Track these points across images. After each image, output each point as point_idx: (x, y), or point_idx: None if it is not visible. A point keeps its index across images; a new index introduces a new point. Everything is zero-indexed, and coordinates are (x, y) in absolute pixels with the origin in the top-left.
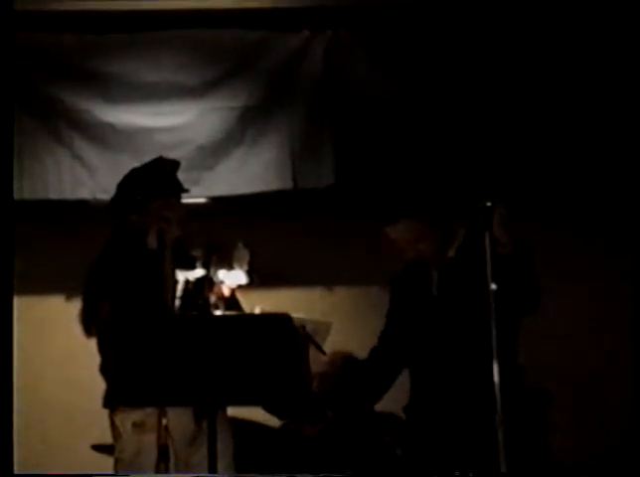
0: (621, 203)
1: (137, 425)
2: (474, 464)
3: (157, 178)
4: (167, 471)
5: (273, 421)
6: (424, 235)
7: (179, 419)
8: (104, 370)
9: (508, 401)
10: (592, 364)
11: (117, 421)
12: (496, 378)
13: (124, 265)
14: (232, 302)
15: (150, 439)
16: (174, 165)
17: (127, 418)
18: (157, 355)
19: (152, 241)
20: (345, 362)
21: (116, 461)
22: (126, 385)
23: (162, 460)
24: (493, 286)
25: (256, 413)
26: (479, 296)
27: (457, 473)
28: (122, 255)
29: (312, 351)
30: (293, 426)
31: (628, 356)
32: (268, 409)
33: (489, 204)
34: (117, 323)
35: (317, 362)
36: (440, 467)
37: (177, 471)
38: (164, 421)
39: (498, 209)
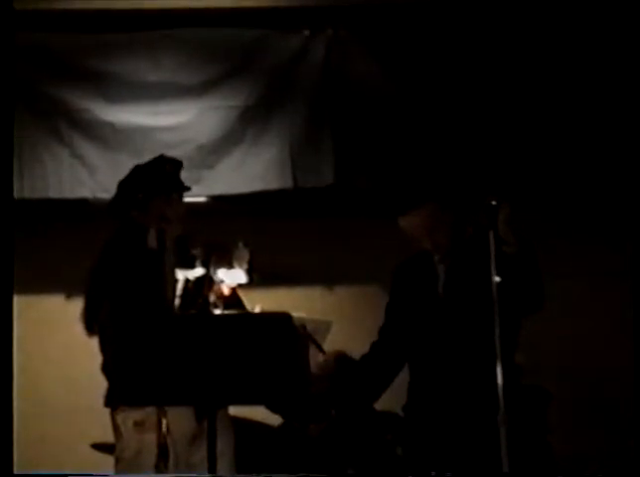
0: (621, 202)
1: (138, 424)
2: (474, 464)
3: (158, 176)
4: (166, 471)
5: (272, 421)
6: (440, 224)
7: (180, 419)
8: (106, 369)
9: (507, 401)
10: (592, 364)
11: (119, 420)
12: (499, 377)
13: (125, 264)
14: (232, 301)
15: (151, 438)
16: (176, 164)
17: (128, 417)
18: (157, 354)
19: (152, 240)
20: (338, 362)
21: (117, 460)
22: (127, 384)
23: (161, 459)
24: (497, 279)
25: (256, 413)
26: (485, 296)
27: (434, 473)
28: (123, 254)
29: (312, 350)
30: (298, 425)
31: (628, 356)
32: (271, 408)
33: (494, 202)
34: (118, 322)
35: (311, 364)
36: (440, 466)
37: (177, 471)
38: (164, 421)
39: (503, 207)
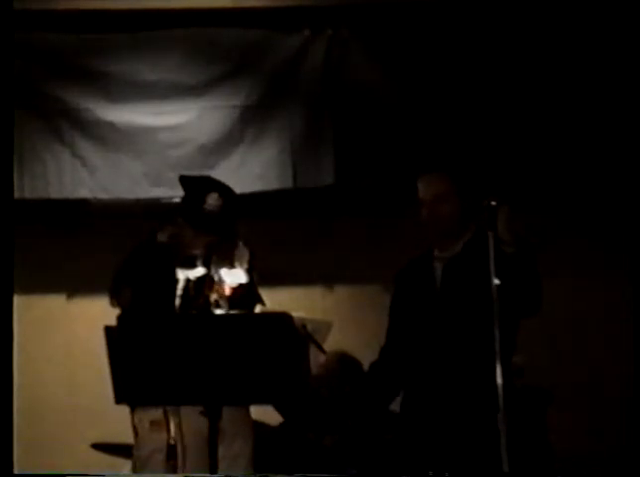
0: (622, 202)
1: (154, 424)
2: (472, 463)
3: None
4: (175, 471)
5: (272, 421)
6: (451, 198)
7: (191, 419)
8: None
9: (504, 401)
10: (592, 364)
11: (136, 420)
12: (499, 377)
13: (145, 259)
14: (235, 301)
15: (167, 439)
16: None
17: (144, 417)
18: (156, 354)
19: (162, 236)
20: (340, 363)
21: (134, 459)
22: (126, 383)
23: (171, 460)
24: (496, 281)
25: (256, 413)
26: (482, 295)
27: (431, 473)
28: (148, 251)
29: (313, 350)
30: (313, 436)
31: (628, 356)
32: (279, 410)
33: (493, 203)
34: (123, 323)
35: (312, 363)
36: (438, 466)
37: (191, 471)
38: (172, 421)
39: (502, 208)
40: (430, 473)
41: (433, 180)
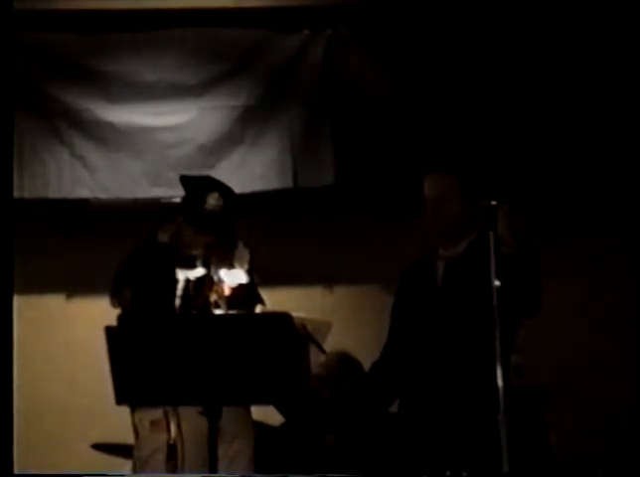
0: (621, 202)
1: (154, 424)
2: (473, 463)
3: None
4: (175, 471)
5: (272, 421)
6: (455, 194)
7: (191, 418)
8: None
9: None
10: (592, 363)
11: (135, 420)
12: (499, 378)
13: (146, 259)
14: (235, 301)
15: (166, 438)
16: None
17: (145, 417)
18: (156, 354)
19: (163, 236)
20: (340, 363)
21: (134, 459)
22: (126, 383)
23: (171, 460)
24: (496, 283)
25: (256, 413)
26: (482, 295)
27: (448, 473)
28: (148, 251)
29: (313, 350)
30: (314, 436)
31: (628, 355)
32: (279, 410)
33: (493, 203)
34: (123, 323)
35: (312, 363)
36: (433, 466)
37: (191, 471)
38: (173, 421)
39: (502, 208)
40: (448, 473)
41: (439, 179)
